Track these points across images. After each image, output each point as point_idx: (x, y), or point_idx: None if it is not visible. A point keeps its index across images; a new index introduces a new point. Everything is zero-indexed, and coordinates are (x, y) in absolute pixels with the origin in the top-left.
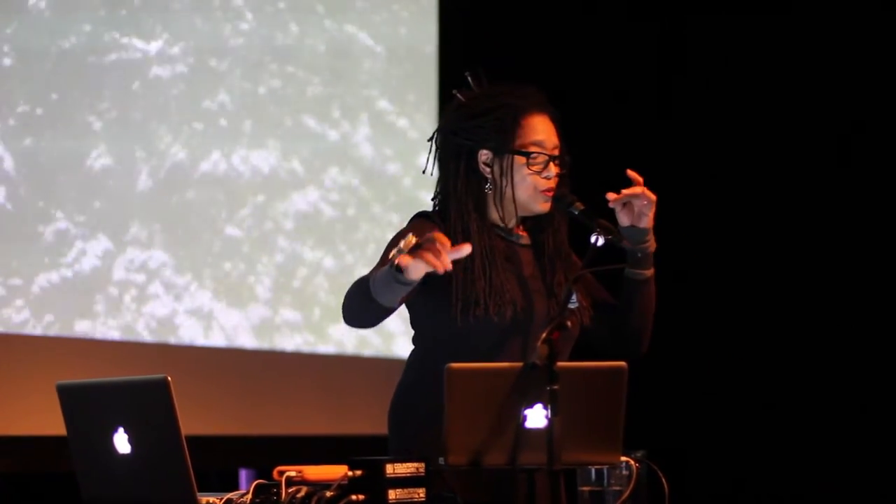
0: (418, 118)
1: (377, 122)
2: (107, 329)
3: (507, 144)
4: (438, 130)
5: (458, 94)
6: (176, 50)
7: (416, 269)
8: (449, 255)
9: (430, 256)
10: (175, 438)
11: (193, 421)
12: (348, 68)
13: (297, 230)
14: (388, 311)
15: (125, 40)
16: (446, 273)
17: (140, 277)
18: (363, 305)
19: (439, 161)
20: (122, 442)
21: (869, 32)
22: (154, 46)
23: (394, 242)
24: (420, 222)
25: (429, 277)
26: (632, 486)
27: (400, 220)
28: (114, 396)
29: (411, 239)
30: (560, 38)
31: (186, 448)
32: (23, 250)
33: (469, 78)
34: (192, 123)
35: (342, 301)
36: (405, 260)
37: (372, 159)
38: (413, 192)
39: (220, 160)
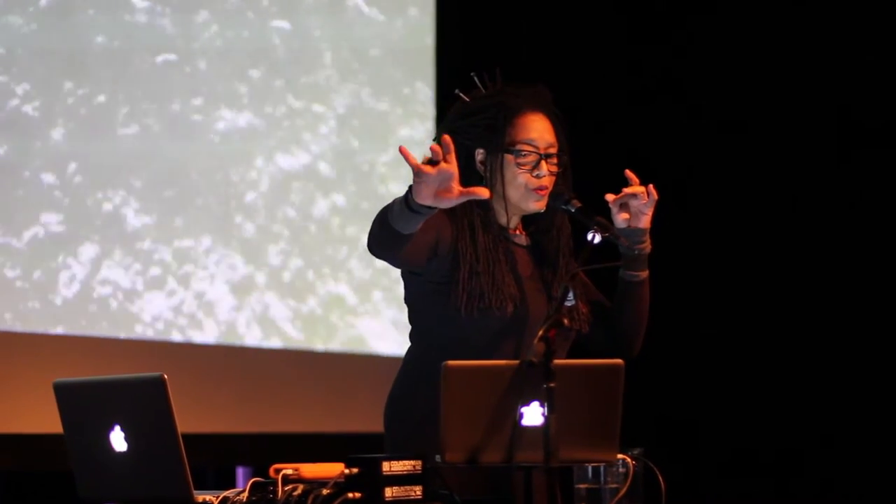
0: (415, 116)
1: (372, 118)
2: (103, 326)
3: (498, 143)
4: (439, 130)
5: (461, 94)
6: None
7: (422, 188)
8: (465, 193)
9: (428, 169)
10: (171, 436)
11: (190, 419)
12: (344, 59)
13: (293, 228)
14: (407, 239)
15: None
16: (452, 266)
17: (136, 273)
18: (382, 233)
19: None
20: (118, 440)
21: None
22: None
23: None
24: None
25: (436, 251)
26: (628, 483)
27: None
28: (110, 394)
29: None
30: (558, 34)
31: (183, 446)
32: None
33: (475, 78)
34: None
35: (368, 231)
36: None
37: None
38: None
39: (226, 154)
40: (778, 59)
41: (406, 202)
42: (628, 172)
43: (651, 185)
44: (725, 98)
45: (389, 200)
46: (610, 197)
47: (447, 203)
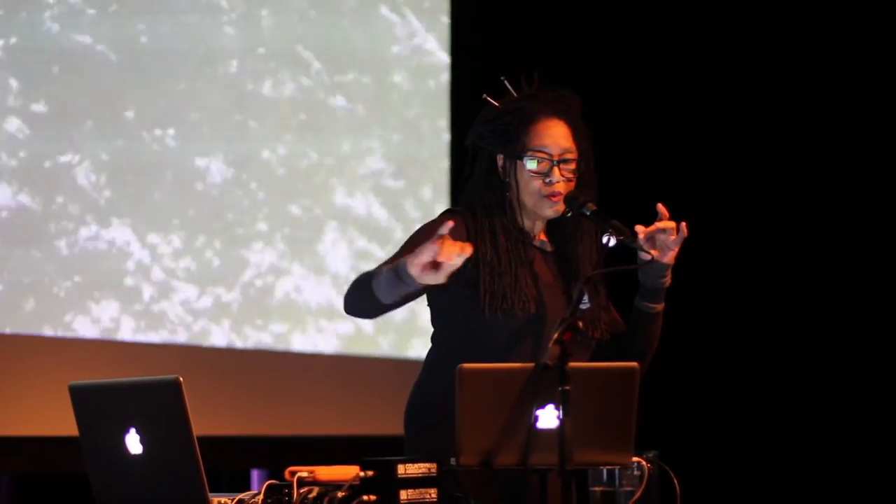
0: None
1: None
2: (118, 329)
3: (514, 148)
4: (468, 134)
5: (488, 99)
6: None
7: (416, 273)
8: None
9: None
10: (187, 439)
11: (205, 421)
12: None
13: (310, 231)
14: (387, 309)
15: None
16: (473, 269)
17: (151, 276)
18: (364, 300)
19: (469, 163)
20: (133, 442)
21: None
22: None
23: (415, 235)
24: (445, 217)
25: (453, 275)
26: (643, 486)
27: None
28: (126, 397)
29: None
30: (577, 40)
31: (198, 448)
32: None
33: (506, 82)
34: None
35: (345, 291)
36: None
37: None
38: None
39: (238, 157)
40: (784, 67)
41: (396, 270)
42: (660, 206)
43: (684, 223)
44: (737, 107)
45: (404, 208)
46: (640, 229)
47: (430, 280)
